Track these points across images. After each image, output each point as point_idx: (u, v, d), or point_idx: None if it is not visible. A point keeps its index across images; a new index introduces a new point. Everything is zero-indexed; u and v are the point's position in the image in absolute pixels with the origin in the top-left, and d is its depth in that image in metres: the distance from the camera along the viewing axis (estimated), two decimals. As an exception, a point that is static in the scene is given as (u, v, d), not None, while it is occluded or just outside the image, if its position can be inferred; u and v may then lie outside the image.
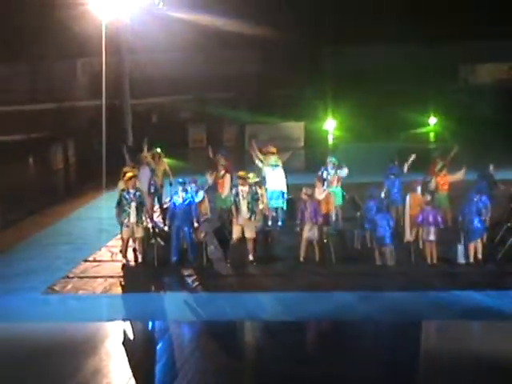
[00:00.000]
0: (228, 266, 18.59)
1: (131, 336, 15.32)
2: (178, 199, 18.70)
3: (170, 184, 21.41)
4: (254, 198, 18.81)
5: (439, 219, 18.04)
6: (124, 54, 35.26)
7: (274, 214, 21.39)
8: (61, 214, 25.05)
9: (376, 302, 16.01)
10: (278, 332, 14.93)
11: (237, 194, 18.81)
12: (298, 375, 13.07)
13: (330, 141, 39.40)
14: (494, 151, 30.11)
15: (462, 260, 17.85)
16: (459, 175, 20.43)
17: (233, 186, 19.97)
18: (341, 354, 13.82)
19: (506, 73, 45.09)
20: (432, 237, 17.96)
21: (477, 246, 17.85)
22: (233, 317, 15.71)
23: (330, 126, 40.52)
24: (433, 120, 41.16)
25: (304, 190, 18.57)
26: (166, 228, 20.31)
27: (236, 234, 18.81)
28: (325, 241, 18.85)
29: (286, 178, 21.94)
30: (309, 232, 18.30)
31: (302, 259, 18.46)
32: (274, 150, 21.98)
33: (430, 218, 17.97)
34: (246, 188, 18.83)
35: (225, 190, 20.60)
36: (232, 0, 37.76)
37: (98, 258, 19.87)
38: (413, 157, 20.98)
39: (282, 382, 12.96)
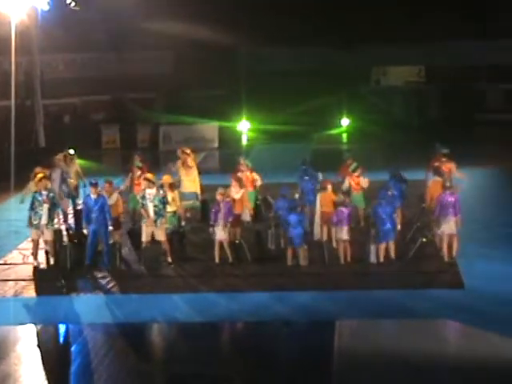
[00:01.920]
0: (142, 267, 18.48)
1: (44, 340, 15.06)
2: (91, 201, 18.44)
3: (84, 185, 21.18)
4: (162, 202, 18.50)
5: (348, 218, 18.27)
6: (35, 53, 34.72)
7: (188, 214, 21.36)
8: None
9: (289, 302, 16.13)
10: (193, 333, 14.91)
11: (143, 197, 18.61)
12: (213, 376, 13.07)
13: (245, 142, 39.55)
14: (405, 152, 30.75)
15: (374, 259, 18.11)
16: (363, 182, 20.71)
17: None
18: (254, 355, 13.85)
19: (416, 75, 45.88)
20: (345, 236, 18.19)
21: (389, 246, 18.13)
22: (147, 318, 15.62)
23: (244, 127, 40.68)
24: (345, 121, 41.64)
25: (219, 190, 18.54)
26: (79, 230, 20.06)
27: (145, 236, 18.58)
28: (237, 241, 18.89)
29: (200, 179, 22.01)
30: (221, 232, 18.29)
31: (217, 260, 18.45)
32: (188, 151, 22.07)
33: (343, 218, 18.19)
34: (153, 191, 18.58)
35: (140, 192, 20.43)
36: (145, 0, 37.41)
37: (8, 261, 19.50)
38: None
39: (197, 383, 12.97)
